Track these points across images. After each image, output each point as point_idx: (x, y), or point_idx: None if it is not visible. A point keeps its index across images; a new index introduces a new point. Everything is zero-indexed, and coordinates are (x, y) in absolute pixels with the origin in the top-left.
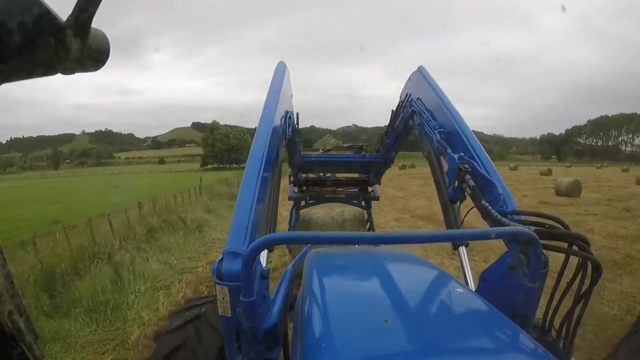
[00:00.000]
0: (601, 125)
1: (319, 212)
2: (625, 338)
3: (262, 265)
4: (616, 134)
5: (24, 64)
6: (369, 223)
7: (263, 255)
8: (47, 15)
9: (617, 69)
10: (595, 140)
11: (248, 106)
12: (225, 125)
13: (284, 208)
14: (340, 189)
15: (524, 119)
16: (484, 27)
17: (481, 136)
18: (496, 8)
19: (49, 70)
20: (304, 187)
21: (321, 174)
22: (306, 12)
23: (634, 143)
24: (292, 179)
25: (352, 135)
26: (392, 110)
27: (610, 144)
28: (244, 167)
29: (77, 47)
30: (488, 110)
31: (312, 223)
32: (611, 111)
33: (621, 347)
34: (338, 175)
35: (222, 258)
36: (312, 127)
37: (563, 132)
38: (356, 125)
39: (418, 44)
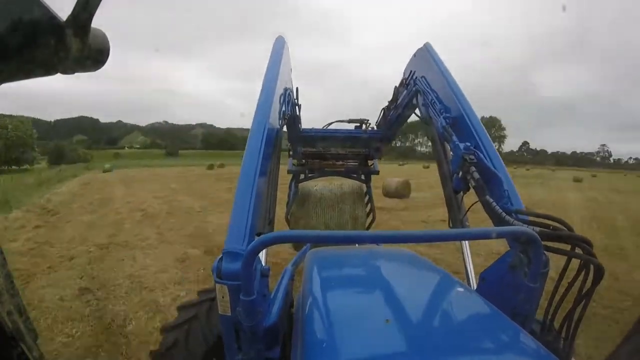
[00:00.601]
0: (401, 129)
1: (317, 185)
2: (626, 338)
3: (262, 264)
4: (413, 137)
5: (24, 64)
6: (367, 196)
7: (262, 253)
8: (47, 15)
9: None
10: (395, 142)
11: (54, 94)
12: (9, 117)
13: (283, 184)
14: (340, 162)
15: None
16: (304, 37)
17: None
18: (316, 21)
19: (49, 70)
20: (304, 161)
21: (321, 148)
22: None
23: (428, 144)
24: (291, 152)
25: (162, 132)
26: (395, 86)
27: (407, 144)
28: (26, 170)
29: (77, 47)
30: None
31: (311, 196)
32: (410, 118)
33: (621, 347)
34: (337, 148)
35: (222, 257)
36: (119, 122)
37: None
38: (167, 122)
39: (240, 45)
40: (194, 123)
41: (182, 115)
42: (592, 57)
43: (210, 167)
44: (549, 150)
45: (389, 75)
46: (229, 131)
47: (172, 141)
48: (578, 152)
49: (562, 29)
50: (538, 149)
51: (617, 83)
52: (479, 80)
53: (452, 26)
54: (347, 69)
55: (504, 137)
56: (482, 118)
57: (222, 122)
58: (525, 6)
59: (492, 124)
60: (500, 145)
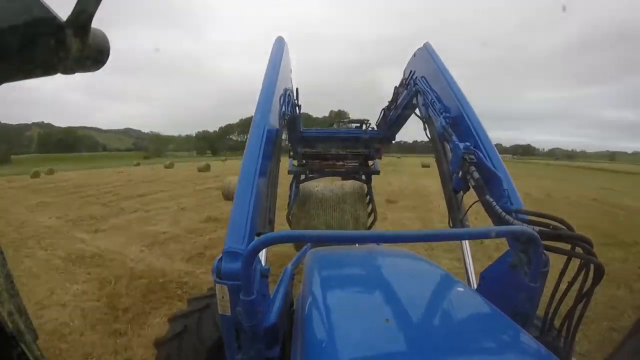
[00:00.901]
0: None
1: (318, 185)
2: (627, 338)
3: (262, 264)
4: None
5: (24, 64)
6: (368, 197)
7: (262, 254)
8: (47, 15)
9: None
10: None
11: None
12: None
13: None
14: (341, 162)
15: (181, 118)
16: (156, 30)
17: (138, 134)
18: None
19: (49, 70)
20: (304, 161)
21: (321, 149)
22: None
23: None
24: (291, 153)
25: None
26: (395, 87)
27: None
28: None
29: (77, 47)
30: (144, 107)
31: (312, 197)
32: None
33: (622, 348)
34: (338, 149)
35: (222, 257)
36: None
37: (217, 129)
38: None
39: None
40: (29, 122)
41: (15, 114)
42: None
43: (36, 174)
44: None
45: (237, 68)
46: (69, 130)
47: (3, 145)
48: (419, 140)
49: (402, 34)
50: None
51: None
52: (328, 77)
53: (305, 26)
54: (195, 62)
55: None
56: (331, 112)
57: (62, 120)
58: (372, 13)
59: (341, 116)
60: None
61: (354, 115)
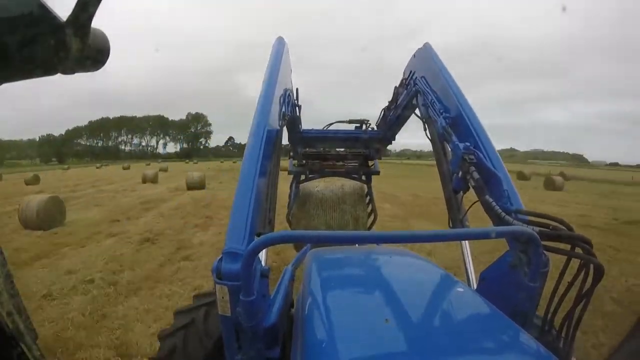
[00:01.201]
0: (102, 127)
1: (318, 185)
2: (626, 339)
3: (262, 265)
4: (116, 134)
5: (24, 64)
6: (368, 197)
7: (262, 254)
8: (47, 15)
9: (144, 77)
10: (96, 141)
11: None
12: None
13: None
14: (341, 162)
15: (24, 119)
16: None
17: None
18: None
19: (48, 70)
20: (304, 161)
21: (321, 149)
22: None
23: (133, 142)
24: (291, 153)
25: None
26: (395, 87)
27: (110, 144)
28: None
29: (77, 47)
30: None
31: (312, 197)
32: (112, 114)
33: (621, 348)
34: (338, 149)
35: (222, 257)
36: None
37: (63, 133)
38: None
39: None
40: None
41: None
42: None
43: None
44: None
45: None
46: None
47: None
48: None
49: (263, 40)
50: (242, 143)
51: (324, 89)
52: (186, 78)
53: (173, 26)
54: None
55: (211, 132)
56: (189, 114)
57: None
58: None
59: (199, 120)
60: (207, 140)
61: (210, 118)
